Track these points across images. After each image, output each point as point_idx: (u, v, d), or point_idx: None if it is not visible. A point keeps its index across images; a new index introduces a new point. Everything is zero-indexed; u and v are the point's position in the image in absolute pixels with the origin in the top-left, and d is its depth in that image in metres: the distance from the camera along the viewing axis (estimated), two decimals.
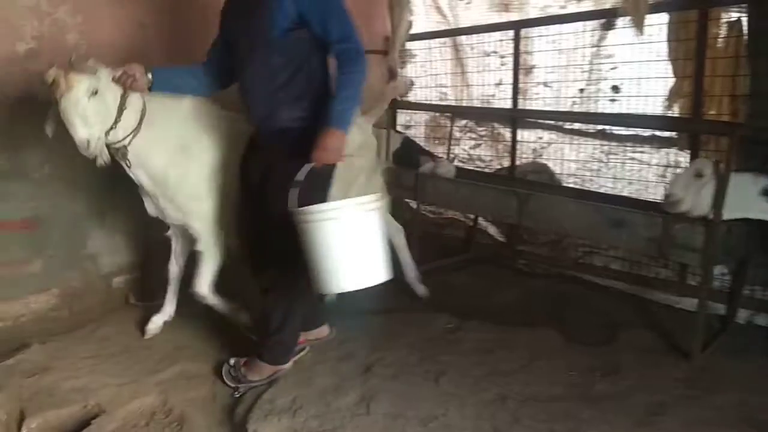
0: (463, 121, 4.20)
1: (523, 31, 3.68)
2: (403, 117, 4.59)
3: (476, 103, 4.13)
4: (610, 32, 3.37)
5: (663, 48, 3.17)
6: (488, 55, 3.96)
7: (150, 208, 2.73)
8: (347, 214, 2.02)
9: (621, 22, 3.24)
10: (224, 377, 2.44)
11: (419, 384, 2.33)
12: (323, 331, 2.73)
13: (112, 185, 3.04)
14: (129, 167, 2.51)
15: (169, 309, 2.92)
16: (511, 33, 3.71)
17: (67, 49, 3.00)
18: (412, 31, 4.20)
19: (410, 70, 4.49)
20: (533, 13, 3.79)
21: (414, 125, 4.44)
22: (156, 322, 2.87)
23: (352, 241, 2.02)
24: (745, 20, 2.88)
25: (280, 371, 2.45)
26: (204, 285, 2.70)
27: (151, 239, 3.48)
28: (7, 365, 2.48)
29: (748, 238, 2.55)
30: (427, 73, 4.38)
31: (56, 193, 3.06)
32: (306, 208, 2.07)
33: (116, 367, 2.58)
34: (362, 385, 2.34)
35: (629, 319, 2.89)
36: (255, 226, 2.45)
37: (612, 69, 3.32)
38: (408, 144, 3.71)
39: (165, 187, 2.57)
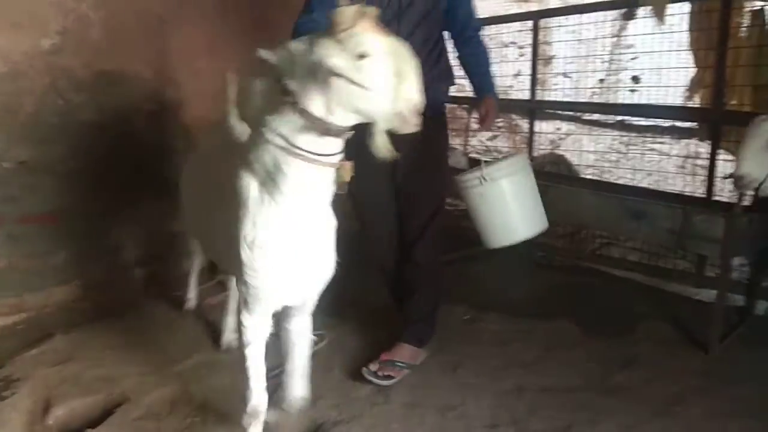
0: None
1: (542, 22, 3.65)
2: None
3: None
4: (631, 22, 3.33)
5: (684, 38, 3.13)
6: (506, 45, 3.93)
7: None
8: (523, 167, 2.29)
9: (642, 11, 3.21)
10: (373, 380, 2.32)
11: (437, 374, 2.34)
12: None
13: (135, 179, 3.08)
14: None
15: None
16: (530, 23, 3.68)
17: (91, 43, 3.06)
18: None
19: None
20: (553, 3, 3.76)
21: None
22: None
23: (526, 193, 2.29)
24: None
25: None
26: None
27: (171, 232, 3.56)
28: (32, 355, 2.53)
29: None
30: None
31: (80, 187, 3.11)
32: (487, 167, 2.23)
33: (138, 357, 2.61)
34: None
35: (647, 310, 2.87)
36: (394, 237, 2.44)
37: (632, 59, 3.28)
38: None
39: None
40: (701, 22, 3.07)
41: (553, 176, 3.41)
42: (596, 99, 3.59)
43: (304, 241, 1.62)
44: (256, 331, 1.77)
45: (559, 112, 3.76)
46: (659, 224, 2.53)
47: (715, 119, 3.05)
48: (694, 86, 3.21)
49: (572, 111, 3.76)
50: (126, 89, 3.26)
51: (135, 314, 3.00)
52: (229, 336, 2.70)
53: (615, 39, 3.41)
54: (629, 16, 3.31)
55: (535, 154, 3.78)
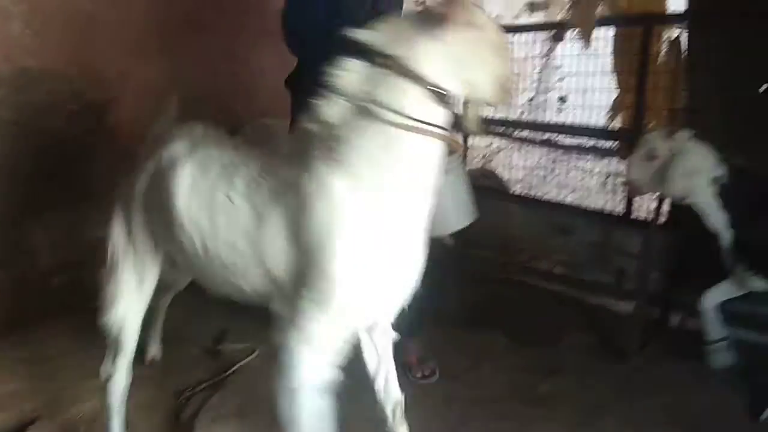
0: None
1: None
2: None
3: None
4: (559, 44, 3.49)
5: (608, 61, 3.30)
6: None
7: None
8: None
9: (569, 34, 3.36)
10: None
11: (364, 387, 2.34)
12: None
13: (54, 182, 2.94)
14: None
15: None
16: None
17: (11, 38, 2.89)
18: None
19: None
20: None
21: None
22: None
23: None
24: (684, 38, 3.03)
25: None
26: None
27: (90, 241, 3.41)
28: None
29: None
30: None
31: None
32: None
33: (54, 371, 2.50)
34: None
35: (572, 322, 2.98)
36: None
37: (560, 80, 3.42)
38: None
39: None
40: (624, 47, 3.25)
41: (484, 190, 3.49)
42: (526, 117, 3.71)
43: (409, 239, 1.45)
44: (326, 371, 1.47)
45: (491, 128, 3.87)
46: (582, 239, 2.64)
47: (635, 139, 3.22)
48: (616, 107, 3.39)
49: (503, 128, 3.88)
50: (48, 87, 3.09)
51: (50, 326, 2.86)
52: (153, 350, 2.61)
53: (544, 60, 3.55)
54: (558, 38, 3.47)
55: (468, 168, 3.88)
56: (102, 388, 2.07)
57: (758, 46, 2.66)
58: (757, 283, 2.29)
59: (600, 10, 3.14)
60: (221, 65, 3.89)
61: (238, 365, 2.53)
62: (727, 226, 2.29)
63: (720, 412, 2.22)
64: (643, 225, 2.48)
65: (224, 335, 2.81)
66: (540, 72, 3.56)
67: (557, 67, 3.50)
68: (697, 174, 2.29)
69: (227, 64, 3.92)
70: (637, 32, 3.14)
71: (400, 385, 1.81)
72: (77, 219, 3.21)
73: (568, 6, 3.24)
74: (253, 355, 2.59)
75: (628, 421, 2.15)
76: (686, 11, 3.02)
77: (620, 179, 3.21)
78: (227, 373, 2.49)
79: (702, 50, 2.91)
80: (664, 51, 3.16)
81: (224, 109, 3.90)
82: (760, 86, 2.73)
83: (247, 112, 3.99)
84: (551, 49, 3.52)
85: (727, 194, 2.27)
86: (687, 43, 3.02)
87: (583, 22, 3.15)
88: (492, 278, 3.65)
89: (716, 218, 2.29)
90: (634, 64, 3.17)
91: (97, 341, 2.68)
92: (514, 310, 3.12)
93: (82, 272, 3.33)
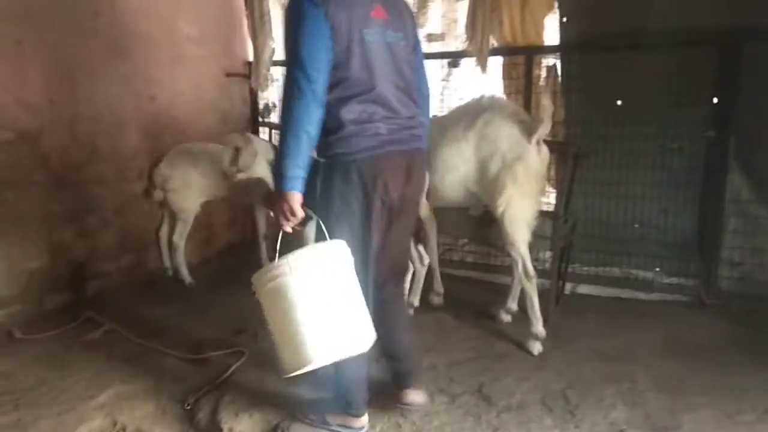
0: None
1: None
2: (264, 136, 4.87)
3: None
4: (456, 69, 4.13)
5: (499, 84, 4.01)
6: None
7: None
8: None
9: (466, 61, 4.02)
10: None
11: None
12: None
13: None
14: None
15: None
16: None
17: None
18: (276, 57, 4.53)
19: (272, 94, 4.81)
20: None
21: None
22: None
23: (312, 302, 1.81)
24: (559, 65, 3.84)
25: None
26: None
27: (31, 269, 3.33)
28: None
29: (571, 229, 3.41)
30: None
31: None
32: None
33: (43, 398, 2.53)
34: (311, 373, 2.63)
35: (491, 299, 3.50)
36: None
37: (459, 100, 4.04)
38: None
39: None
40: (511, 73, 3.98)
41: None
42: None
43: None
44: None
45: None
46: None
47: None
48: None
49: None
50: None
51: (6, 359, 2.85)
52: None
53: (444, 82, 4.16)
54: (455, 64, 4.10)
55: None
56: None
57: (614, 71, 3.52)
58: None
59: (491, 43, 3.83)
60: (141, 90, 3.97)
61: (234, 366, 2.74)
62: None
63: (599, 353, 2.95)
64: (551, 215, 3.11)
65: (201, 345, 2.97)
66: (441, 94, 4.15)
67: (455, 89, 4.13)
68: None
69: (147, 88, 4.01)
70: (521, 60, 3.90)
71: None
72: (14, 251, 3.16)
73: (465, 38, 3.88)
74: (244, 358, 2.81)
75: (567, 361, 2.80)
76: (560, 44, 3.82)
77: None
78: (227, 374, 2.68)
79: (571, 75, 3.73)
80: (543, 76, 3.93)
81: (145, 132, 3.99)
82: (617, 101, 3.60)
83: (167, 134, 4.11)
84: (450, 73, 4.14)
85: None
86: (561, 69, 3.82)
87: (478, 52, 3.81)
88: None
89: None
90: (520, 87, 3.91)
91: (69, 366, 2.75)
92: (445, 295, 3.61)
93: (27, 304, 3.28)
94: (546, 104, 2.76)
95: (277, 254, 1.88)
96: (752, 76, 3.27)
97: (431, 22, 4.28)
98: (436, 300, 3.48)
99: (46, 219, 3.39)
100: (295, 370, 1.86)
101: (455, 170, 2.91)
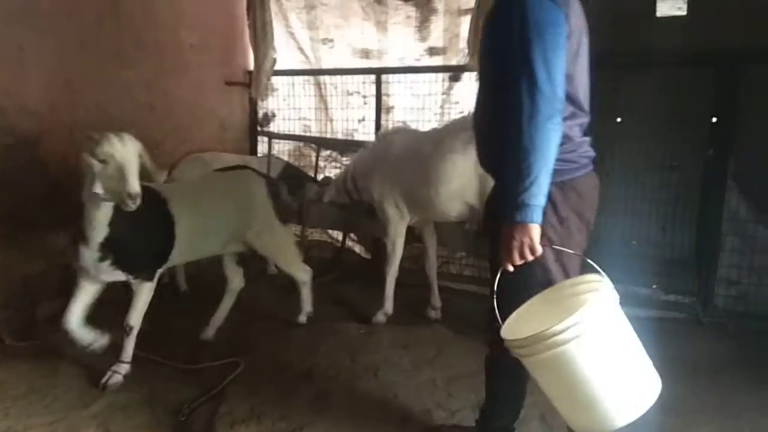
0: (327, 152, 4.64)
1: (384, 77, 4.28)
2: (262, 147, 4.87)
3: (340, 136, 4.61)
4: (457, 83, 4.14)
5: None
6: (350, 94, 4.48)
7: None
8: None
9: (467, 75, 4.03)
10: None
11: (366, 378, 2.70)
12: None
13: None
14: None
15: None
16: (373, 76, 4.29)
17: None
18: (277, 67, 4.54)
19: (272, 103, 4.82)
20: (392, 62, 4.41)
21: (278, 154, 4.73)
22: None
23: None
24: None
25: None
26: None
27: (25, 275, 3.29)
28: None
29: None
30: (290, 107, 4.75)
31: None
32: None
33: (34, 407, 2.50)
34: (311, 386, 2.63)
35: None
36: None
37: (460, 113, 4.06)
38: (290, 170, 4.02)
39: None
40: None
41: None
42: None
43: None
44: None
45: None
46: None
47: None
48: None
49: None
50: None
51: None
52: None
53: (444, 96, 4.18)
54: (456, 78, 4.11)
55: None
56: None
57: (614, 89, 3.53)
58: None
59: None
60: (141, 98, 3.97)
61: (231, 376, 2.71)
62: None
63: None
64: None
65: (197, 356, 2.95)
66: (441, 107, 4.17)
67: (455, 103, 4.14)
68: None
69: (147, 96, 4.00)
70: None
71: None
72: (12, 256, 3.12)
73: (467, 52, 3.89)
74: (240, 369, 2.79)
75: None
76: None
77: None
78: (222, 385, 2.66)
79: None
80: None
81: (145, 139, 3.97)
82: (617, 119, 3.61)
83: (167, 141, 4.10)
84: (450, 87, 4.16)
85: None
86: None
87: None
88: (413, 284, 4.13)
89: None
90: None
91: (59, 376, 2.71)
92: (444, 308, 3.60)
93: (21, 309, 3.23)
94: None
95: (494, 298, 1.64)
96: (750, 96, 3.30)
97: (433, 36, 4.30)
98: (433, 314, 3.47)
99: (42, 225, 3.36)
100: None
101: (449, 183, 2.95)
